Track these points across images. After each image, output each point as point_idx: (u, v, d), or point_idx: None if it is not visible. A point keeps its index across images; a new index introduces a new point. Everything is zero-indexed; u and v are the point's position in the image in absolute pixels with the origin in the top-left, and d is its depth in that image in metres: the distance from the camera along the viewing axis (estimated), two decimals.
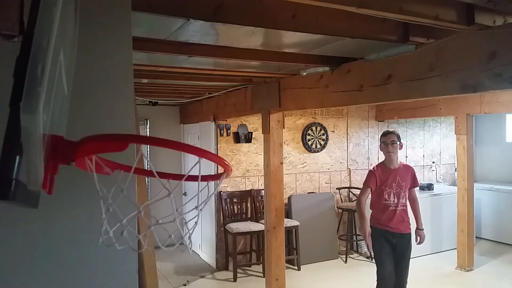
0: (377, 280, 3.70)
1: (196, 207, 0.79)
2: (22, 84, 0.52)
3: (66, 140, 0.68)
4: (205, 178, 0.81)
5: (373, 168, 3.78)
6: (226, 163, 0.77)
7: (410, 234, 3.70)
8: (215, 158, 0.72)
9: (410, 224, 3.70)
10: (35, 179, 0.57)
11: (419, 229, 3.80)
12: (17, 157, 0.53)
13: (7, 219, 1.01)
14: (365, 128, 6.68)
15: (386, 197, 3.63)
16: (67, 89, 0.79)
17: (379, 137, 3.82)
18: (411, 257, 3.72)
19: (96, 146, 0.68)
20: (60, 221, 1.10)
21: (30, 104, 0.52)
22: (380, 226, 3.66)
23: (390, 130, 3.86)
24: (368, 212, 3.73)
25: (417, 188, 3.92)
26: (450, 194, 6.11)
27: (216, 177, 0.86)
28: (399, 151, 3.72)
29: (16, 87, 0.52)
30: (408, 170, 3.74)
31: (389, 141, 3.65)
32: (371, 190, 3.73)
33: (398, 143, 3.67)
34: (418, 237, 3.79)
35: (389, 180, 3.64)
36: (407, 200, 3.70)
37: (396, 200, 3.62)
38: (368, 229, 3.65)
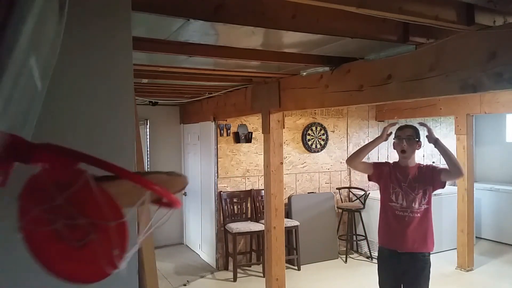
0: None
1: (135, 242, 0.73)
2: None
3: (23, 140, 0.66)
4: (161, 204, 0.78)
5: (387, 162, 3.26)
6: (173, 197, 0.72)
7: (425, 255, 2.95)
8: (160, 191, 0.67)
9: (428, 243, 2.95)
10: None
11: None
12: None
13: (5, 219, 1.01)
14: (365, 128, 6.68)
15: (393, 198, 2.97)
16: (42, 88, 0.78)
17: (395, 132, 3.15)
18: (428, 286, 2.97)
19: (49, 156, 0.67)
20: None
21: None
22: (386, 245, 3.05)
23: (409, 124, 3.22)
24: (375, 225, 3.22)
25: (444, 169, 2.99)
26: (450, 194, 6.11)
27: (166, 205, 0.81)
28: (417, 151, 3.05)
29: None
30: (427, 170, 3.03)
31: (404, 136, 3.01)
32: (372, 168, 3.16)
33: (416, 140, 3.03)
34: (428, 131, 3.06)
35: (398, 177, 3.01)
36: (423, 206, 2.94)
37: (405, 203, 2.94)
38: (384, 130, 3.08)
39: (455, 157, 3.05)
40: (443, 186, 2.99)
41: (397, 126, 3.23)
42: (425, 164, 3.15)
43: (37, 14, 0.61)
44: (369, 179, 3.22)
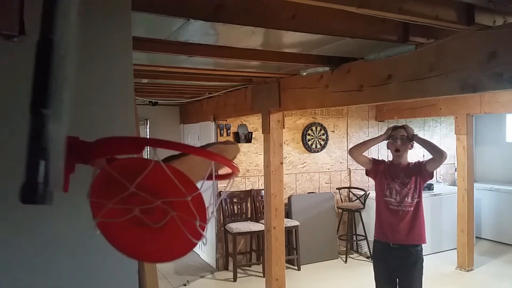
0: None
1: (208, 208, 0.77)
2: (43, 89, 0.52)
3: (82, 140, 0.69)
4: (217, 177, 0.81)
5: (383, 160, 3.45)
6: (234, 164, 0.77)
7: (417, 247, 3.13)
8: (223, 160, 0.71)
9: (420, 235, 3.14)
10: (58, 182, 0.58)
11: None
12: (42, 162, 0.54)
13: (5, 220, 1.01)
14: (365, 128, 6.68)
15: (388, 193, 3.18)
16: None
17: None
18: (422, 278, 3.12)
19: (111, 148, 0.68)
20: (60, 221, 1.10)
21: (57, 112, 0.52)
22: (382, 238, 3.22)
23: (402, 124, 3.38)
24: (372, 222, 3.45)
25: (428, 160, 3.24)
26: (450, 194, 6.11)
27: (223, 177, 0.85)
28: (409, 151, 3.25)
29: (37, 92, 0.52)
30: (415, 166, 3.24)
31: (398, 135, 3.19)
32: (371, 163, 3.33)
33: (408, 141, 3.20)
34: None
35: (392, 174, 3.20)
36: (415, 200, 3.15)
37: (398, 198, 3.14)
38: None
39: (434, 143, 3.36)
40: (431, 176, 3.22)
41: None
42: (414, 161, 3.34)
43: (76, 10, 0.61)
44: (367, 173, 3.43)
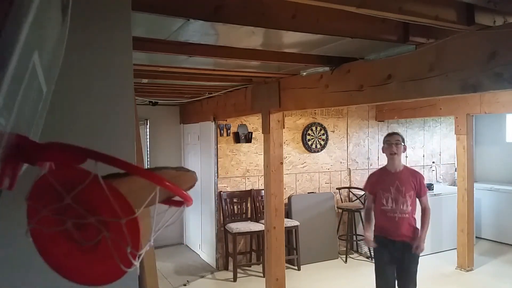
0: None
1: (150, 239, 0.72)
2: None
3: (30, 140, 0.66)
4: (169, 202, 0.77)
5: (373, 172, 3.67)
6: (185, 193, 0.71)
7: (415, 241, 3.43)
8: (171, 187, 0.66)
9: (416, 234, 3.42)
10: None
11: (418, 236, 3.41)
12: None
13: (5, 220, 1.01)
14: (365, 128, 6.68)
15: (384, 202, 3.39)
16: (46, 88, 0.78)
17: (383, 138, 3.62)
18: (417, 269, 3.46)
19: (57, 155, 0.65)
20: None
21: None
22: (381, 234, 3.46)
23: (395, 131, 3.78)
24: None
25: (426, 197, 3.52)
26: (450, 194, 6.11)
27: (177, 203, 0.80)
28: (402, 153, 3.51)
29: None
30: (414, 176, 3.45)
31: (393, 141, 3.44)
32: (372, 195, 3.55)
33: (403, 144, 3.46)
34: (416, 246, 3.38)
35: (387, 184, 3.40)
36: (409, 207, 3.36)
37: (394, 205, 3.34)
38: (368, 236, 3.51)
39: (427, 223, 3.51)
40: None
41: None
42: (413, 169, 3.61)
43: (38, 8, 0.60)
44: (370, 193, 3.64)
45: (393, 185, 3.38)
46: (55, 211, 0.64)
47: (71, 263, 0.70)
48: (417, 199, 3.45)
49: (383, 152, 3.56)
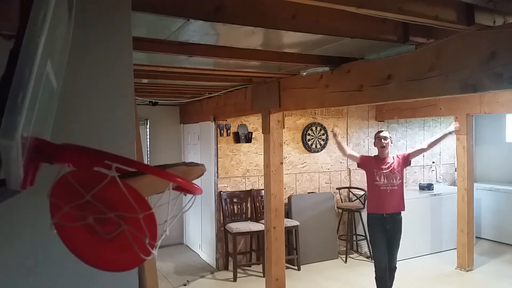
0: (374, 260, 4.22)
1: (165, 223, 0.78)
2: (1, 112, 0.55)
3: (49, 142, 0.71)
4: (180, 189, 0.82)
5: (367, 155, 4.53)
6: (195, 185, 0.78)
7: (401, 217, 4.18)
8: (182, 182, 0.73)
9: (403, 206, 4.18)
10: (16, 182, 0.61)
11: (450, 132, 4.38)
12: None
13: (6, 219, 1.01)
14: (365, 128, 6.68)
15: (377, 178, 4.14)
16: (56, 87, 0.80)
17: (374, 136, 4.40)
18: (400, 241, 4.19)
19: (75, 157, 0.70)
20: None
21: (8, 131, 0.54)
22: (376, 212, 4.13)
23: (382, 129, 4.64)
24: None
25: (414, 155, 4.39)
26: (450, 194, 6.11)
27: (188, 190, 0.86)
28: (390, 146, 4.31)
29: None
30: (398, 156, 4.29)
31: (382, 137, 4.26)
32: (358, 160, 4.33)
33: (389, 139, 4.30)
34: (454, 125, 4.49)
35: (380, 164, 4.18)
36: (399, 180, 4.16)
37: (386, 181, 4.13)
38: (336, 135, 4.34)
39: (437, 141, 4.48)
40: (409, 164, 4.37)
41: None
42: (397, 154, 4.41)
43: (51, 17, 0.62)
44: (358, 166, 4.46)
45: (384, 164, 4.19)
46: (76, 207, 0.69)
47: (95, 253, 0.76)
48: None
49: (374, 146, 4.37)
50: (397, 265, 4.23)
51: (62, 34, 0.80)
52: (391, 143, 4.34)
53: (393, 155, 4.34)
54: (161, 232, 0.72)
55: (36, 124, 0.65)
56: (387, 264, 4.09)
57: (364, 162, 4.35)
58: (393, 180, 4.17)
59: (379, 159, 4.26)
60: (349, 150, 4.48)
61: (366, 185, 6.14)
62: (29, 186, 0.66)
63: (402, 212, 4.23)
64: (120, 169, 0.69)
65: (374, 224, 4.18)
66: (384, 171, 4.16)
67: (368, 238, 4.60)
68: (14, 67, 0.57)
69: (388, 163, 4.22)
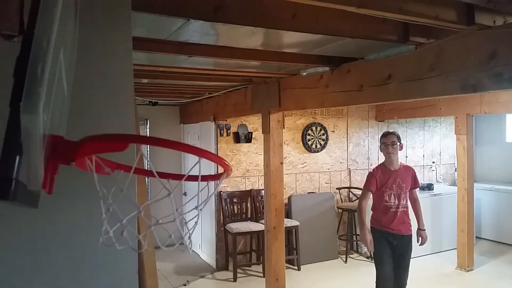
0: (376, 281, 3.68)
1: (196, 207, 0.80)
2: (22, 84, 0.52)
3: (66, 140, 0.68)
4: (205, 178, 0.82)
5: (373, 170, 3.73)
6: (226, 163, 0.78)
7: (411, 236, 3.68)
8: (214, 158, 0.73)
9: (411, 226, 3.69)
10: (35, 179, 0.58)
11: (420, 229, 3.74)
12: (17, 157, 0.54)
13: (6, 220, 1.01)
14: (365, 128, 6.68)
15: (387, 198, 3.61)
16: (67, 89, 0.80)
17: (379, 138, 3.81)
18: (411, 257, 3.71)
19: (96, 146, 0.68)
20: (59, 221, 1.10)
21: (30, 104, 0.52)
22: (381, 228, 3.65)
23: (390, 131, 3.89)
24: (368, 214, 3.72)
25: (418, 188, 3.86)
26: (450, 194, 6.11)
27: (216, 177, 0.86)
28: (399, 152, 3.71)
29: (16, 87, 0.53)
30: (408, 171, 3.71)
31: (389, 142, 3.62)
32: (372, 193, 3.70)
33: (398, 144, 3.64)
34: (420, 238, 3.73)
35: (389, 182, 3.61)
36: (408, 201, 3.68)
37: (396, 201, 3.60)
38: (369, 237, 3.61)
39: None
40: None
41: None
42: (406, 164, 3.82)
43: (61, 11, 0.61)
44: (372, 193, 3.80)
45: (395, 182, 3.62)
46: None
47: None
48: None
49: (380, 151, 3.79)
50: None
51: (71, 31, 0.79)
52: (401, 148, 3.68)
53: (404, 166, 3.75)
54: (141, 202, 0.73)
55: (53, 122, 0.63)
56: (393, 287, 3.58)
57: (373, 187, 3.67)
58: (403, 201, 3.63)
59: (387, 172, 3.64)
60: (366, 206, 3.70)
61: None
62: (48, 194, 0.64)
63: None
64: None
65: (379, 239, 3.64)
66: (395, 189, 3.60)
67: (373, 255, 4.02)
68: (30, 45, 0.55)
69: (399, 178, 3.62)
